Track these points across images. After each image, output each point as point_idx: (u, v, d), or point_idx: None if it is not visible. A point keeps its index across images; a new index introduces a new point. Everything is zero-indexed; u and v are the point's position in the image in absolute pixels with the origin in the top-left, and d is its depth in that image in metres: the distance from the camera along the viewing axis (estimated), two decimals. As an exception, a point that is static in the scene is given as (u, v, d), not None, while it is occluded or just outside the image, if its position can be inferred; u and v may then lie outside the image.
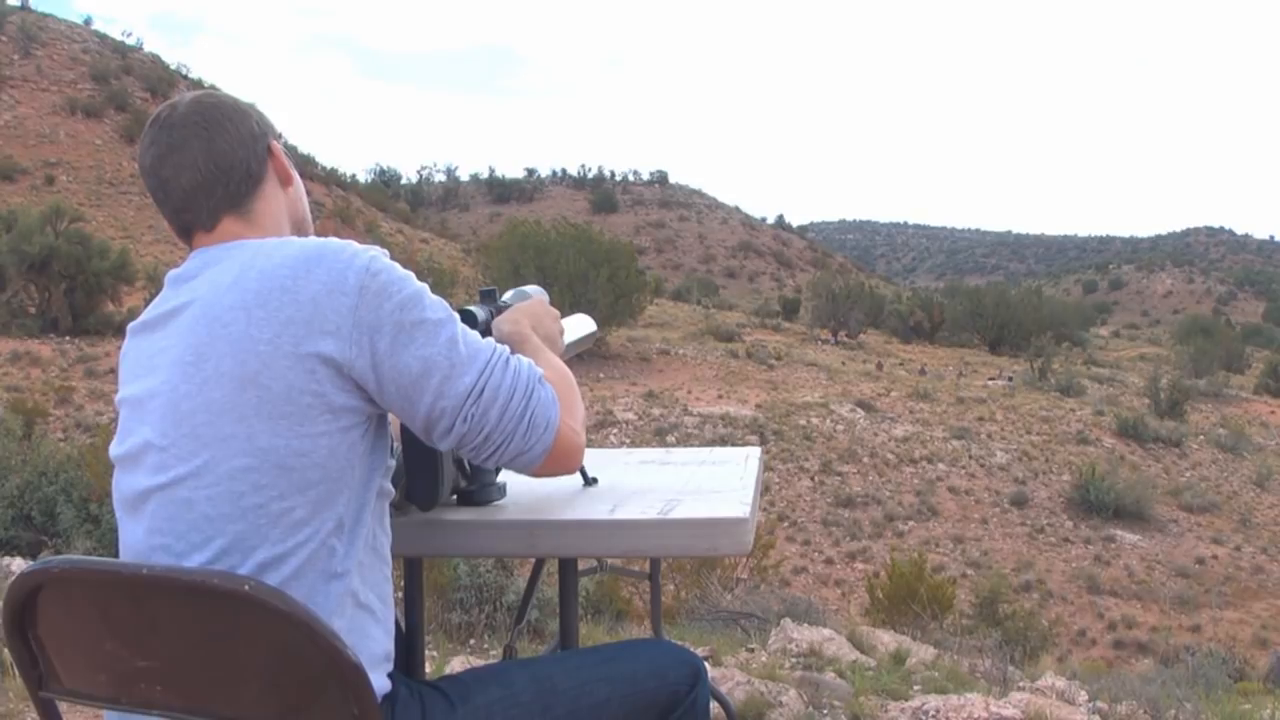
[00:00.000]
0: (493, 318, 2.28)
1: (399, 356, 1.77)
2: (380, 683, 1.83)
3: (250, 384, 1.71)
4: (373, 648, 1.84)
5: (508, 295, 2.43)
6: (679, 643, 2.41)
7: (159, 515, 1.76)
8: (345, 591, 1.78)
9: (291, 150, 2.13)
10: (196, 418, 1.73)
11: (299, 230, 2.07)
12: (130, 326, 1.95)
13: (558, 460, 1.92)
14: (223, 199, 1.93)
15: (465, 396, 1.81)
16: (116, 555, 1.85)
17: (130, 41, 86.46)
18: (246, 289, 1.76)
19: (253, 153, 1.96)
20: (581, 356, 2.49)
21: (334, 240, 1.83)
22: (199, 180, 1.92)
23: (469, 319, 2.18)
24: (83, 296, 36.52)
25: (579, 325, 2.78)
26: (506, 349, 1.91)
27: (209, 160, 1.92)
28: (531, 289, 2.52)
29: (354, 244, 1.83)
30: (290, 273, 1.76)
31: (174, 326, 1.82)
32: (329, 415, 1.74)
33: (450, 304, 1.95)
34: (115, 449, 1.88)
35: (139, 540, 1.80)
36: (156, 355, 1.83)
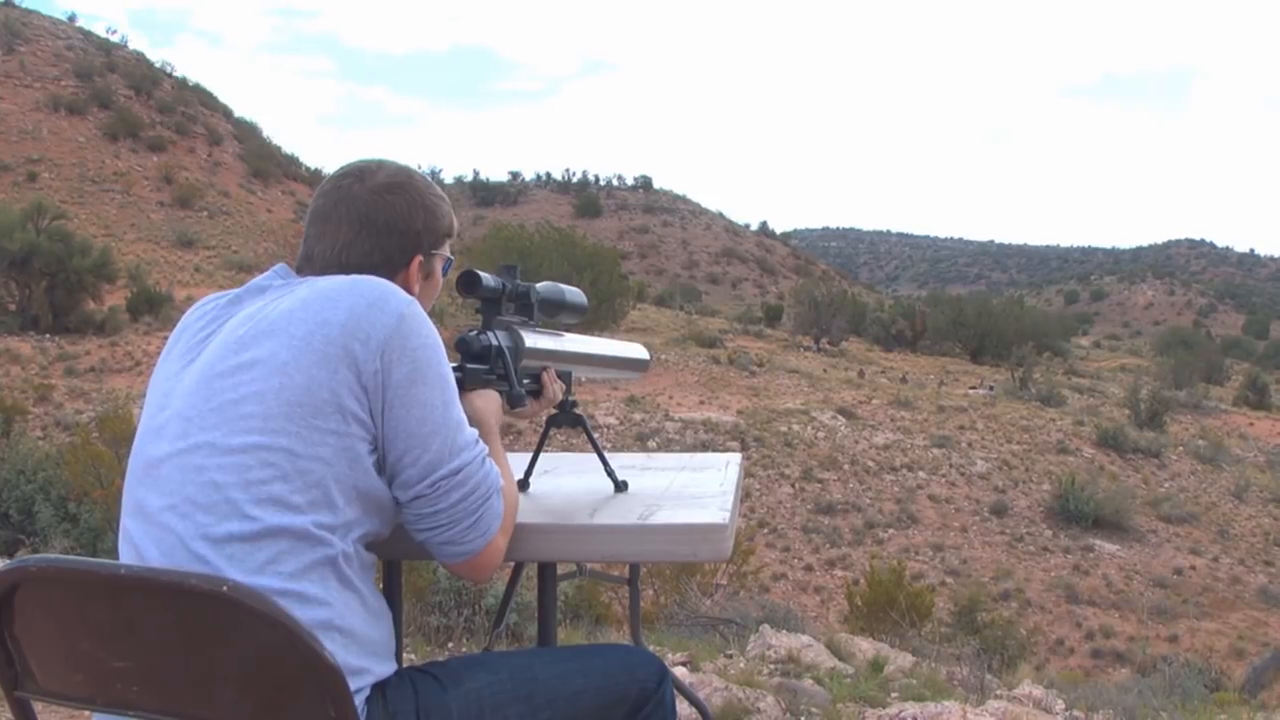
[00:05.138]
0: (504, 289, 2.29)
1: (409, 390, 1.87)
2: (386, 667, 1.92)
3: (278, 372, 1.81)
4: (376, 633, 1.92)
5: (540, 285, 2.42)
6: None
7: (173, 478, 1.83)
8: (342, 578, 1.85)
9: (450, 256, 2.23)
10: (224, 395, 1.83)
11: None
12: (200, 303, 2.08)
13: (473, 568, 2.01)
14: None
15: (442, 466, 1.91)
16: (95, 553, 1.86)
17: (114, 39, 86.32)
18: (298, 296, 1.91)
19: (388, 263, 2.07)
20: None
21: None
22: (327, 258, 2.06)
23: (472, 280, 2.21)
24: (63, 294, 36.46)
25: (626, 349, 2.81)
26: (486, 448, 2.00)
27: (345, 252, 2.05)
28: (569, 291, 2.52)
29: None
30: (335, 287, 1.91)
31: (234, 317, 1.96)
32: (339, 416, 1.82)
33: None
34: (149, 421, 1.95)
35: (149, 502, 1.85)
36: (208, 339, 1.96)
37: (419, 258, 2.10)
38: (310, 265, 2.06)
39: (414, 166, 2.17)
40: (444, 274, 2.20)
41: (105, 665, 1.64)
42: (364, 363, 1.82)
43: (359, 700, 1.80)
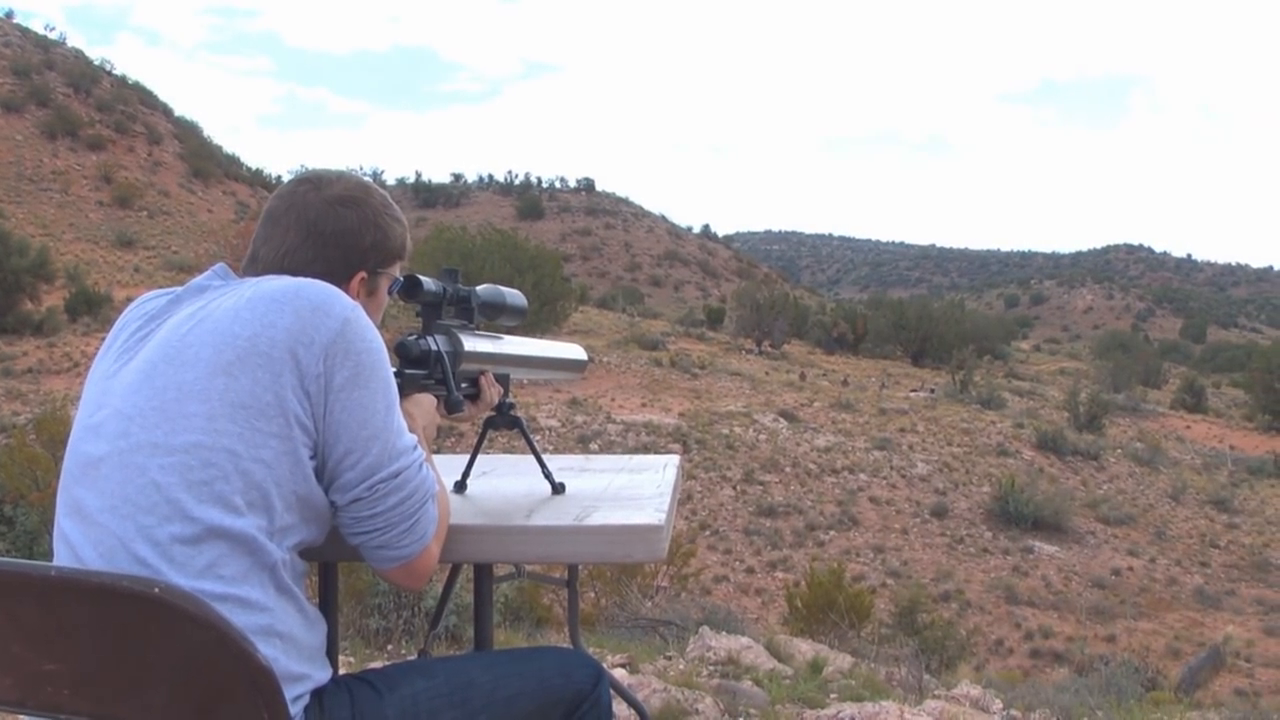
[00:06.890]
0: (445, 293, 2.28)
1: (350, 394, 1.85)
2: (324, 673, 1.91)
3: (222, 373, 1.79)
4: (313, 639, 1.91)
5: (481, 288, 2.42)
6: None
7: (113, 478, 1.80)
8: (280, 585, 1.84)
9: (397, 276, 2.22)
10: (167, 394, 1.81)
11: None
12: (139, 301, 2.05)
13: (408, 573, 1.98)
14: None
15: (381, 469, 1.89)
16: (31, 556, 1.85)
17: (52, 36, 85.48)
18: (242, 297, 1.88)
19: (329, 275, 2.03)
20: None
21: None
22: (270, 261, 2.05)
23: (414, 285, 2.20)
24: (0, 295, 35.99)
25: (563, 350, 2.80)
26: (424, 453, 2.00)
27: (288, 257, 2.05)
28: (510, 293, 2.52)
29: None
30: (281, 290, 1.88)
31: (174, 316, 1.93)
32: (282, 419, 1.80)
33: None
34: (86, 419, 1.92)
35: (88, 502, 1.83)
36: (147, 336, 1.93)
37: (362, 274, 2.09)
38: (254, 266, 2.04)
39: (372, 181, 2.17)
40: (390, 294, 2.19)
41: (36, 668, 1.63)
42: (307, 366, 1.81)
43: (299, 707, 1.80)
